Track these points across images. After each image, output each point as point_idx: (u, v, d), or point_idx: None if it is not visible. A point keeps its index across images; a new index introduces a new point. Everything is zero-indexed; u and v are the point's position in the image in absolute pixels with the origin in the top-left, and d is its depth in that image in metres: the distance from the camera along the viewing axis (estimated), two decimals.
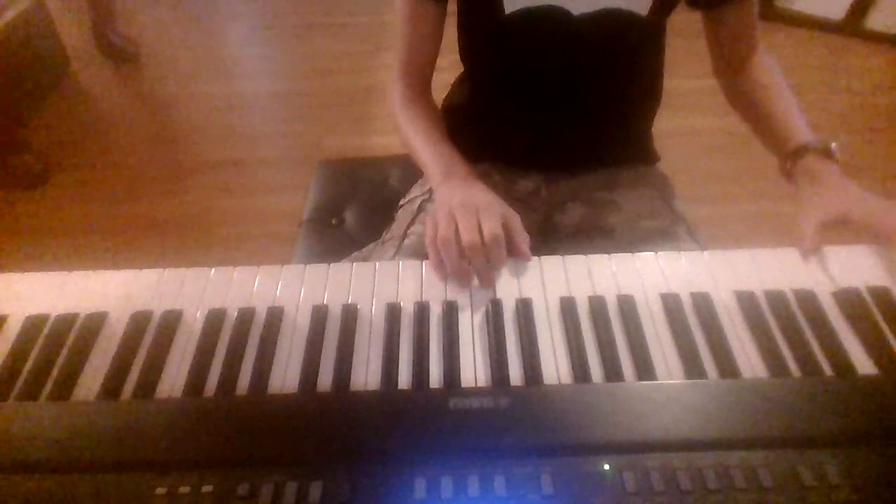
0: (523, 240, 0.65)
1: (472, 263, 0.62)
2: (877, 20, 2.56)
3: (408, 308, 0.61)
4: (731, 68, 0.85)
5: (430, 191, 0.92)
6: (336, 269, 0.65)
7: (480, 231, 0.62)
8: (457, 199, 0.65)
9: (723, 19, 0.81)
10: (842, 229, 0.65)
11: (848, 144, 2.05)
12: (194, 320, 0.60)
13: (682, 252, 0.65)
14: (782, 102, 0.80)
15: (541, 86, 0.85)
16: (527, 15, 0.76)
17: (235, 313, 0.60)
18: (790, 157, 0.74)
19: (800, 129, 0.76)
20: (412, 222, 0.88)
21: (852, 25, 2.60)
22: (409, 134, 0.83)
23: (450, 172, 0.73)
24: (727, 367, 0.54)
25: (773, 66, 0.84)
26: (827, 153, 0.71)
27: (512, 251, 0.65)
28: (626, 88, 0.88)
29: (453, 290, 0.62)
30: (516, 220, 0.66)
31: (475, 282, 0.63)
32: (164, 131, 2.33)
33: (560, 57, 0.81)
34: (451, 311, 0.60)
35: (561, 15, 0.75)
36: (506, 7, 0.76)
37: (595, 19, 0.75)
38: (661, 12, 0.78)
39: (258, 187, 2.02)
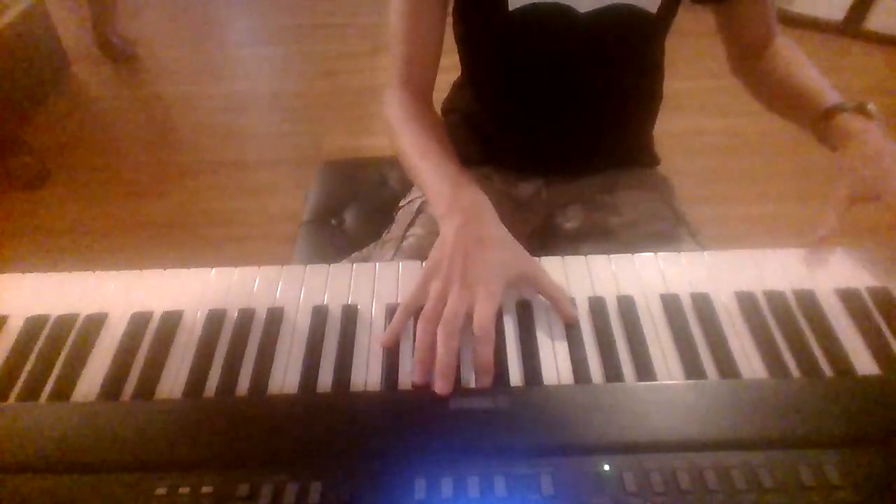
0: (563, 300, 0.57)
1: (441, 346, 0.52)
2: (877, 21, 2.56)
3: None
4: (753, 57, 0.83)
5: None
6: (336, 269, 0.65)
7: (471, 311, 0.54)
8: (461, 252, 0.57)
9: (742, 9, 0.79)
10: (846, 227, 0.63)
11: None
12: (194, 320, 0.60)
13: (682, 252, 0.65)
14: (807, 74, 0.77)
15: (543, 86, 0.84)
16: (531, 12, 0.75)
17: (235, 314, 0.60)
18: (822, 119, 0.70)
19: (830, 93, 0.72)
20: (411, 223, 0.87)
21: (852, 26, 2.60)
22: (408, 151, 0.74)
23: (456, 201, 0.63)
24: (727, 367, 0.54)
25: (792, 45, 0.81)
26: (863, 111, 0.67)
27: (558, 311, 0.58)
28: (629, 89, 0.88)
29: None
30: (544, 279, 0.58)
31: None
32: (163, 131, 2.33)
33: (564, 56, 0.80)
34: None
35: (567, 12, 0.74)
36: (510, 3, 0.75)
37: (602, 16, 0.74)
38: (670, 8, 0.77)
39: (258, 187, 2.02)
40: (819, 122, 0.71)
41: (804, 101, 0.74)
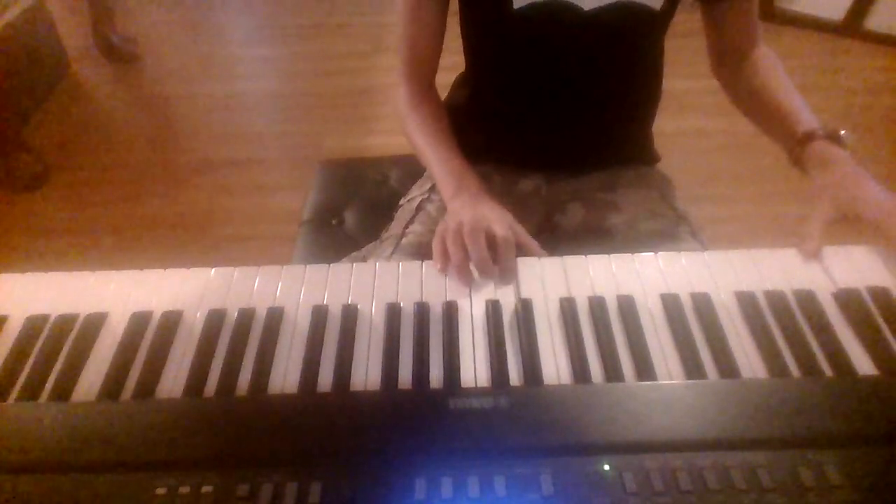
0: (534, 245, 0.67)
1: (472, 256, 0.62)
2: (877, 20, 2.56)
3: (408, 308, 0.61)
4: (732, 63, 0.84)
5: (430, 190, 0.92)
6: (336, 269, 0.65)
7: (490, 232, 0.64)
8: (468, 214, 0.67)
9: (725, 12, 0.80)
10: (845, 228, 0.64)
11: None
12: (194, 320, 0.60)
13: (682, 252, 0.65)
14: (785, 91, 0.79)
15: (545, 83, 0.85)
16: (535, 10, 0.75)
17: (235, 313, 0.60)
18: (798, 144, 0.72)
19: (805, 116, 0.75)
20: (411, 221, 0.88)
21: (852, 26, 2.59)
22: (419, 141, 0.83)
23: (461, 188, 0.74)
24: (727, 367, 0.54)
25: (773, 57, 0.83)
26: (836, 139, 0.70)
27: (524, 252, 0.66)
28: (630, 86, 0.88)
29: (453, 290, 0.62)
30: (522, 230, 0.68)
31: (475, 280, 0.63)
32: (164, 131, 2.33)
33: (567, 54, 0.81)
34: (451, 311, 0.60)
35: (571, 10, 0.75)
36: (514, 2, 0.75)
37: (607, 13, 0.75)
38: (672, 3, 0.78)
39: (258, 187, 2.02)
40: (794, 146, 0.73)
41: (779, 121, 0.77)
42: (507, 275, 0.63)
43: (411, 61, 0.85)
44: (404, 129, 0.86)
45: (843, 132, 0.71)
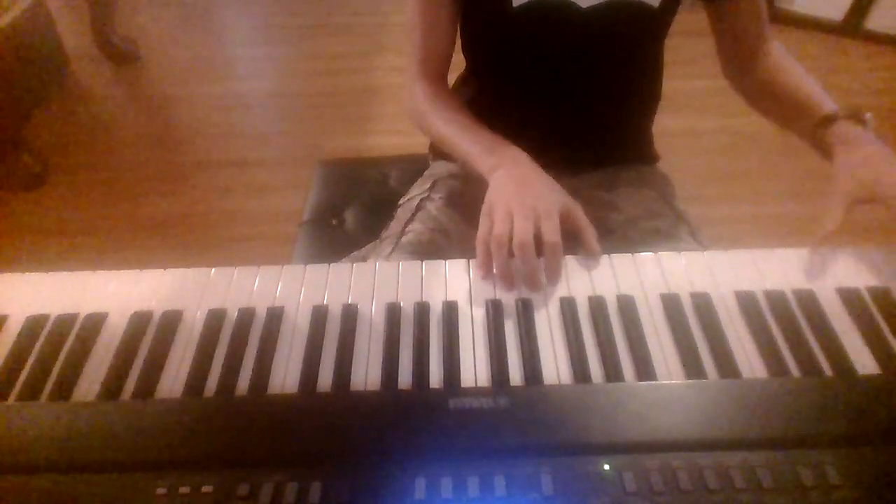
0: (591, 235, 0.65)
1: (522, 265, 0.61)
2: (877, 20, 2.56)
3: (408, 308, 0.61)
4: (743, 62, 0.84)
5: (430, 189, 0.92)
6: (336, 269, 0.65)
7: (538, 232, 0.61)
8: (512, 189, 0.64)
9: (731, 12, 0.80)
10: (846, 228, 0.64)
11: None
12: (194, 320, 0.60)
13: (683, 252, 0.65)
14: (803, 81, 0.78)
15: (544, 82, 0.85)
16: (535, 9, 0.76)
17: (235, 313, 0.60)
18: (821, 125, 0.71)
19: (825, 100, 0.74)
20: (410, 220, 0.87)
21: (852, 26, 2.60)
22: (445, 131, 0.80)
23: (499, 156, 0.70)
24: (727, 367, 0.54)
25: (784, 51, 0.82)
26: (858, 119, 0.70)
27: (580, 247, 0.65)
28: (630, 85, 0.88)
29: (453, 290, 0.62)
30: (579, 212, 0.66)
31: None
32: (164, 131, 2.33)
33: (566, 52, 0.81)
34: (451, 311, 0.60)
35: (569, 8, 0.75)
36: (513, 1, 0.75)
37: (605, 12, 0.75)
38: (672, 3, 0.77)
39: (258, 187, 2.02)
40: (816, 129, 0.72)
41: (801, 111, 0.76)
42: (552, 280, 0.62)
43: (425, 60, 0.84)
44: (424, 124, 0.84)
45: (867, 114, 0.69)
